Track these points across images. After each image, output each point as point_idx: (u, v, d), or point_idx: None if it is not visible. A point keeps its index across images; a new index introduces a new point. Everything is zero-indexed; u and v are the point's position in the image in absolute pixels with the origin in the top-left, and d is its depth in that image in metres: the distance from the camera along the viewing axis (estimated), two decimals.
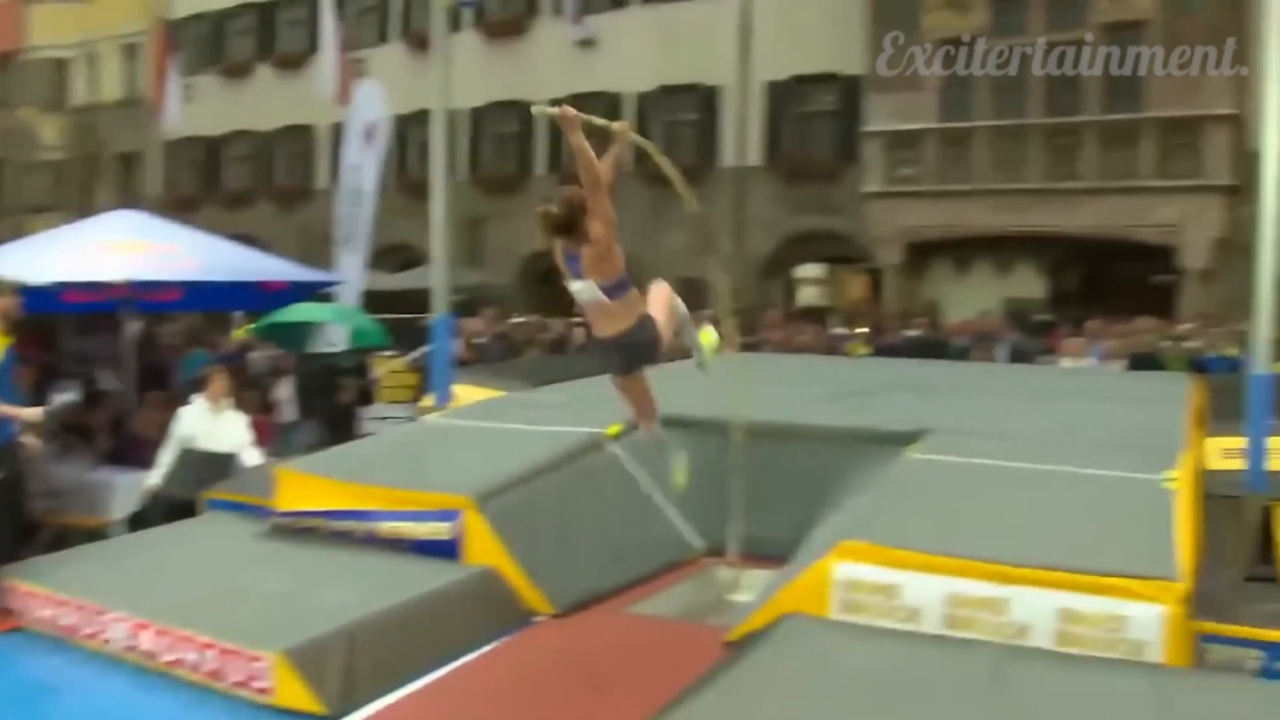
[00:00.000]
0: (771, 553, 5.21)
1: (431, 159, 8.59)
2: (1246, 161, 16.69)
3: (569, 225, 4.76)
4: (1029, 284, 20.49)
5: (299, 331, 13.59)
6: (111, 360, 11.69)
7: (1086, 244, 19.37)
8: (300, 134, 29.43)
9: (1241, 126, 17.55)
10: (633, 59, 23.41)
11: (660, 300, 5.17)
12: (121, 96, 33.52)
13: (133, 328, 11.05)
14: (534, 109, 5.07)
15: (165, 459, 8.30)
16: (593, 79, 24.19)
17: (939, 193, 20.03)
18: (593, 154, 4.75)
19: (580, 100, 23.81)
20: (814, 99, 22.60)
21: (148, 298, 10.87)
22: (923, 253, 20.85)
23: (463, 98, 23.11)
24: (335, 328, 13.78)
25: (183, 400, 8.88)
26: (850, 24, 20.91)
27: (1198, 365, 11.74)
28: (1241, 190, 17.39)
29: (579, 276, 4.85)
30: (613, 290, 4.85)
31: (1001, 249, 20.35)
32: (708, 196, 22.08)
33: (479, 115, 25.87)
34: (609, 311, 4.89)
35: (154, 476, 8.30)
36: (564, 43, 24.13)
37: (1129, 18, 18.56)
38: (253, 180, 30.80)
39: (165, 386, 11.51)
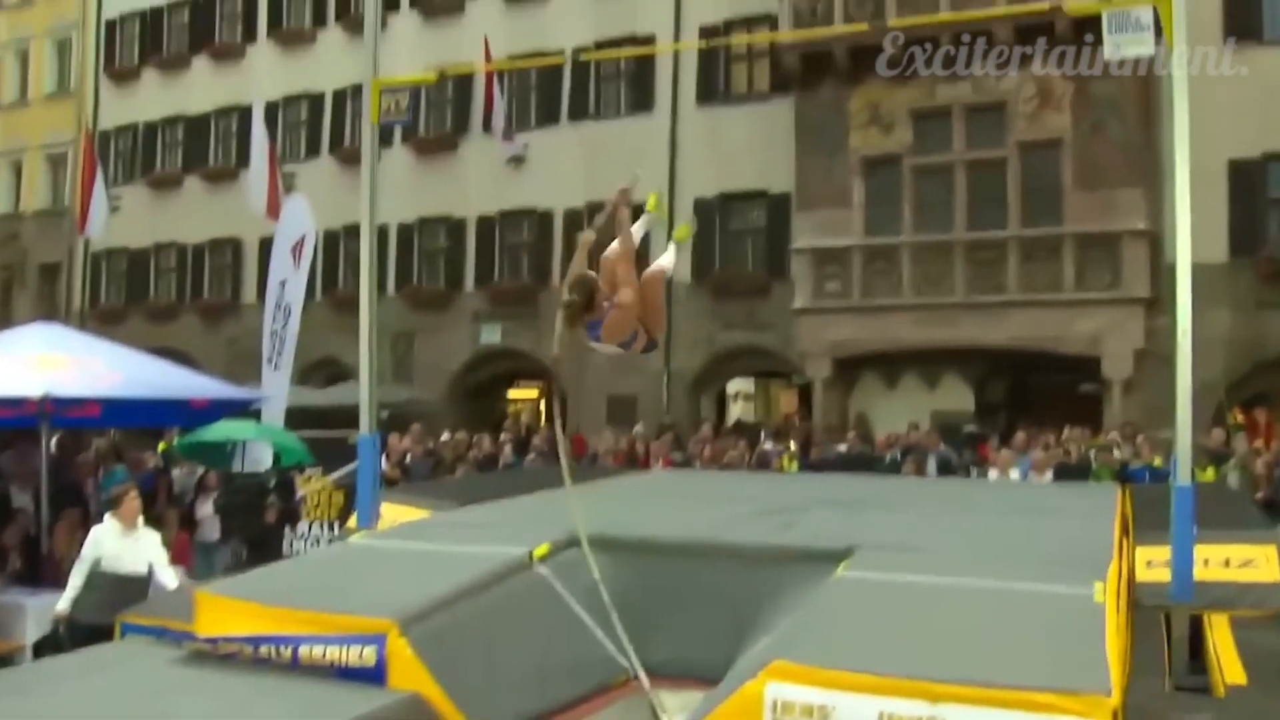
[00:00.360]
0: (703, 674, 5.13)
1: (361, 274, 8.54)
2: (1163, 275, 17.17)
3: (589, 305, 5.71)
4: (957, 396, 20.72)
5: (223, 449, 13.36)
6: (27, 476, 11.39)
7: (1012, 355, 19.67)
8: (228, 247, 29.30)
9: (1157, 241, 18.06)
10: (562, 176, 23.58)
11: (656, 279, 6.38)
12: (46, 206, 33.15)
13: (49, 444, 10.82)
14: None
15: (76, 581, 8.04)
16: (522, 195, 24.39)
17: (866, 308, 20.29)
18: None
19: (510, 216, 23.93)
20: (742, 216, 22.92)
21: (66, 414, 10.66)
22: (851, 366, 21.05)
23: (393, 213, 23.19)
24: (260, 445, 13.56)
25: (99, 519, 8.65)
26: (777, 142, 21.32)
27: (1124, 475, 11.92)
28: (1159, 302, 17.82)
29: (598, 340, 5.86)
30: (628, 344, 6.00)
31: (929, 362, 20.60)
32: None
33: (409, 230, 25.93)
34: (623, 353, 6.19)
35: (63, 601, 8.02)
36: (494, 159, 24.26)
37: (1046, 137, 19.15)
38: (179, 293, 30.53)
39: (82, 504, 11.25)
